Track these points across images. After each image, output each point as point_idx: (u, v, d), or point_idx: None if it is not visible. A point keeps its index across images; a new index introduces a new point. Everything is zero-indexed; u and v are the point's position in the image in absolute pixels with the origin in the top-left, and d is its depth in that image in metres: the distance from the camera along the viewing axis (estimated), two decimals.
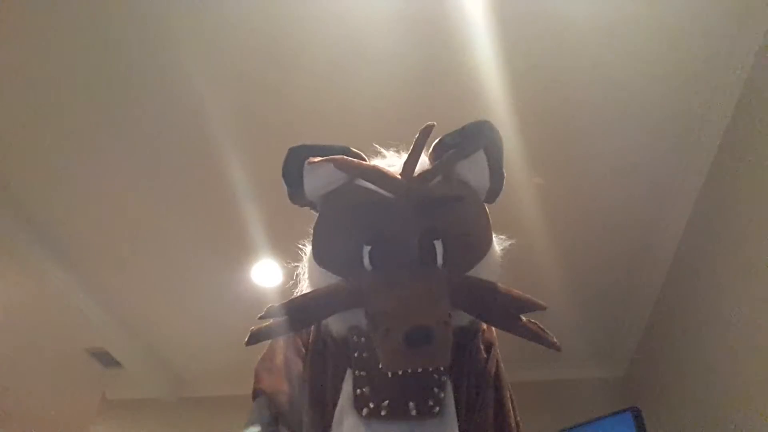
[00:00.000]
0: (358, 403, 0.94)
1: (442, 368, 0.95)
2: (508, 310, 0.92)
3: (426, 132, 0.96)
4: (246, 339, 0.94)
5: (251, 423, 1.11)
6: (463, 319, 0.98)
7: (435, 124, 0.96)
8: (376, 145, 1.07)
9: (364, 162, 0.99)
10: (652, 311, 2.88)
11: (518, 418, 1.09)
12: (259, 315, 0.92)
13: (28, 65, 1.97)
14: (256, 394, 1.15)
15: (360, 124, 2.09)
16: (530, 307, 0.92)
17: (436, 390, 0.94)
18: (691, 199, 2.29)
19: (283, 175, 1.04)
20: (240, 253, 2.70)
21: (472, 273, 0.97)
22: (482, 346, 1.09)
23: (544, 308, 0.92)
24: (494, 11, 1.76)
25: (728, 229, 2.09)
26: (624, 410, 2.27)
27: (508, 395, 1.10)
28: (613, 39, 1.82)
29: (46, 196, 2.51)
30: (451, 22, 1.79)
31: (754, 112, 1.87)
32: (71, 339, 3.45)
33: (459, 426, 0.97)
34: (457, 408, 0.97)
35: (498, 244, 1.05)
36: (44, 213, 2.59)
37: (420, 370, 0.88)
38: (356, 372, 0.97)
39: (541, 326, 0.93)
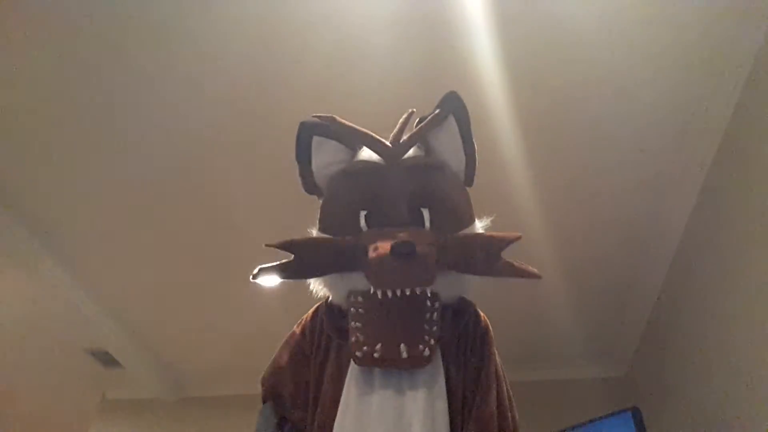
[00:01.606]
0: (354, 347, 1.02)
1: (431, 314, 1.03)
2: (489, 252, 1.02)
3: (409, 114, 1.11)
4: (252, 275, 1.04)
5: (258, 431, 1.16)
6: (454, 290, 1.10)
7: (414, 110, 1.11)
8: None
9: (359, 127, 1.13)
10: (652, 311, 2.88)
11: (515, 413, 1.12)
12: (266, 243, 1.03)
13: (27, 65, 1.97)
14: (263, 398, 1.22)
15: (360, 124, 2.09)
16: (506, 240, 1.02)
17: (426, 337, 1.02)
18: (692, 198, 2.29)
19: (296, 151, 1.16)
20: (240, 253, 2.70)
21: None
22: (478, 342, 1.14)
23: (518, 237, 1.02)
24: (494, 11, 1.76)
25: (729, 229, 2.09)
26: (624, 410, 2.27)
27: (506, 389, 1.13)
28: (613, 38, 1.82)
29: (46, 196, 2.51)
30: (450, 22, 1.79)
31: (755, 111, 1.87)
32: (71, 339, 3.45)
33: (463, 406, 1.04)
34: (452, 379, 1.05)
35: (480, 223, 1.16)
36: (44, 213, 2.59)
37: (408, 292, 0.99)
38: (353, 323, 1.05)
39: (520, 262, 1.03)
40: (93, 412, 3.94)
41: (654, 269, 2.68)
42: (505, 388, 1.13)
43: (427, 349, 1.00)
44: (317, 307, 1.23)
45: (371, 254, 0.98)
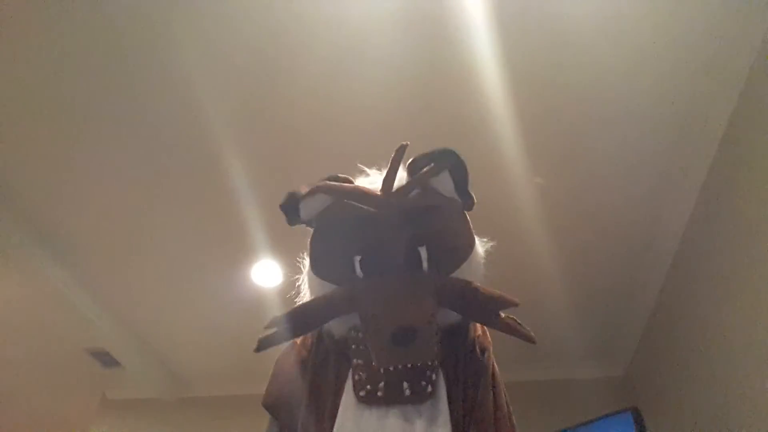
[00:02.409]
0: (357, 387, 1.02)
1: (433, 361, 1.03)
2: (487, 309, 1.01)
3: (401, 151, 1.06)
4: (255, 347, 1.02)
5: None
6: (451, 316, 1.07)
7: (408, 143, 1.06)
8: (360, 165, 1.16)
9: (346, 184, 1.10)
10: (652, 311, 2.88)
11: (513, 421, 1.12)
12: (265, 325, 1.01)
13: (27, 65, 1.97)
14: (264, 407, 1.21)
15: (360, 124, 2.09)
16: (505, 303, 1.00)
17: (428, 373, 1.02)
18: (692, 198, 2.29)
19: (283, 211, 1.14)
20: (240, 253, 2.70)
21: (456, 275, 1.06)
22: (477, 348, 1.14)
23: (516, 304, 1.00)
24: (494, 11, 1.76)
25: (728, 229, 2.09)
26: (624, 410, 2.27)
27: (504, 397, 1.13)
28: (613, 38, 1.82)
29: (47, 196, 2.51)
30: (450, 22, 1.79)
31: (755, 111, 1.87)
32: (71, 339, 3.45)
33: (460, 421, 1.03)
34: (453, 401, 1.04)
35: (480, 245, 1.14)
36: (44, 213, 2.59)
37: (409, 365, 0.99)
38: (355, 361, 1.06)
39: (517, 320, 1.01)
40: (93, 412, 3.94)
41: (654, 270, 2.68)
42: (503, 396, 1.13)
43: (429, 385, 1.01)
44: None
45: (370, 335, 0.98)
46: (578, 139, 2.15)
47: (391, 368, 1.00)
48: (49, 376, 3.87)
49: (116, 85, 2.03)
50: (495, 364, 1.16)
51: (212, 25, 1.84)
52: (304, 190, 1.10)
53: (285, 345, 1.22)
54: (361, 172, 1.16)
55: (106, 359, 3.60)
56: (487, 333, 1.18)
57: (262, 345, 1.02)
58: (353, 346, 1.07)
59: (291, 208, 1.12)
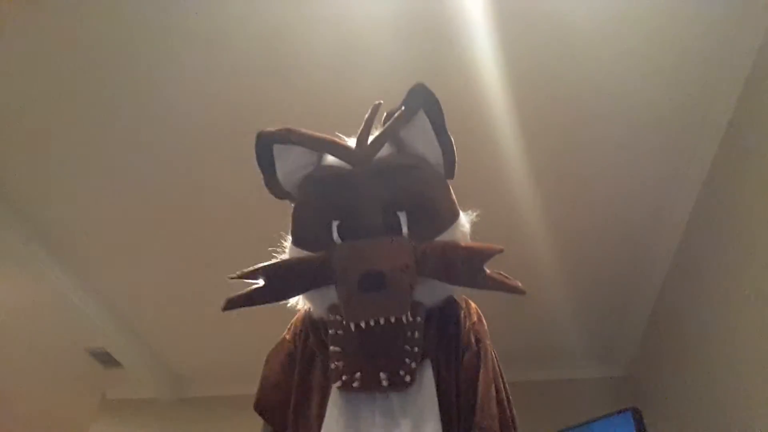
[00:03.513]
0: (333, 375, 0.97)
1: (412, 334, 0.96)
2: (470, 265, 0.96)
3: (375, 108, 1.04)
4: (222, 306, 0.98)
5: None
6: (437, 294, 1.04)
7: (382, 102, 1.04)
8: (338, 134, 1.12)
9: (319, 134, 1.06)
10: (652, 311, 2.88)
11: (513, 411, 1.08)
12: (231, 275, 0.98)
13: (28, 65, 1.97)
14: (257, 411, 1.17)
15: (360, 125, 2.09)
16: (489, 253, 0.95)
17: (407, 360, 0.95)
18: (692, 198, 2.29)
19: (257, 161, 1.11)
20: (240, 253, 2.69)
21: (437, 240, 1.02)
22: (472, 338, 1.09)
23: (501, 250, 0.95)
24: (494, 11, 1.76)
25: (728, 229, 2.09)
26: (624, 410, 2.27)
27: (503, 386, 1.09)
28: (614, 38, 1.82)
29: (47, 196, 2.51)
30: (450, 22, 1.79)
31: (755, 110, 1.87)
32: (71, 339, 3.45)
33: (454, 416, 0.98)
34: (444, 394, 0.99)
35: (466, 218, 1.10)
36: (44, 213, 2.59)
37: (382, 321, 0.92)
38: (332, 347, 0.99)
39: (504, 274, 0.96)
40: (93, 412, 3.94)
41: (654, 269, 2.68)
42: (503, 386, 1.08)
43: (408, 375, 0.94)
44: (306, 312, 1.17)
45: (339, 287, 0.94)
46: (578, 137, 2.15)
47: (369, 349, 0.93)
48: (49, 376, 3.87)
49: (119, 87, 2.03)
50: (494, 354, 1.10)
51: (212, 25, 1.84)
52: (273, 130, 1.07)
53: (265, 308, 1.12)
54: (339, 139, 1.12)
55: (106, 359, 3.60)
56: (483, 321, 1.14)
57: (230, 305, 0.98)
58: (331, 331, 1.00)
59: (264, 151, 1.09)
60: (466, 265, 0.96)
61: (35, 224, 2.64)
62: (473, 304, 1.16)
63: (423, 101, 1.04)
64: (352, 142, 1.08)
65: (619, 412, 2.29)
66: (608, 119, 2.08)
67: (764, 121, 1.82)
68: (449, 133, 1.07)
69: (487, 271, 0.95)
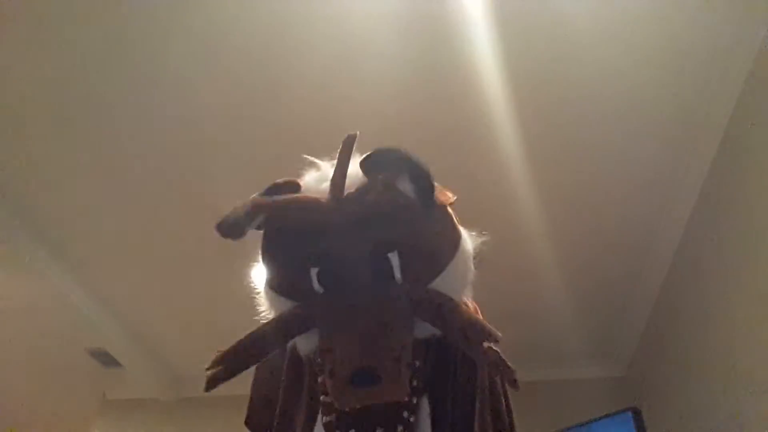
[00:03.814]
0: (327, 428, 0.88)
1: (411, 403, 0.87)
2: (465, 335, 0.83)
3: (349, 143, 0.89)
4: (204, 387, 0.94)
5: None
6: (430, 330, 0.90)
7: (358, 133, 0.91)
8: (309, 157, 1.01)
9: (286, 197, 0.91)
10: (652, 311, 2.88)
11: (511, 418, 1.02)
12: (207, 366, 0.93)
13: (28, 65, 1.97)
14: (247, 426, 1.13)
15: (359, 125, 2.08)
16: (487, 336, 0.81)
17: (405, 414, 0.87)
18: (692, 197, 2.29)
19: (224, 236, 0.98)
20: (240, 254, 2.69)
21: (437, 282, 0.89)
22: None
23: (498, 339, 0.81)
24: (494, 10, 1.76)
25: (728, 229, 2.09)
26: (624, 410, 2.27)
27: (503, 401, 1.01)
28: (613, 37, 1.82)
29: (47, 196, 2.51)
30: (450, 22, 1.79)
31: (755, 111, 1.87)
32: (71, 339, 3.45)
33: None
34: (443, 423, 0.91)
35: (470, 240, 0.96)
36: (44, 213, 2.59)
37: (381, 405, 0.83)
38: (323, 398, 0.89)
39: (502, 356, 0.80)
40: (93, 412, 3.94)
41: (654, 270, 2.68)
42: (503, 404, 1.00)
43: (406, 429, 0.86)
44: None
45: (327, 375, 0.82)
46: (578, 138, 2.15)
47: (359, 407, 0.84)
48: (49, 376, 3.87)
49: (119, 87, 2.03)
50: (495, 349, 1.02)
51: (212, 25, 1.84)
52: (242, 210, 0.94)
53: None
54: (311, 165, 1.00)
55: (106, 359, 3.60)
56: (478, 310, 1.03)
57: (212, 384, 0.93)
58: (320, 379, 0.89)
59: (235, 235, 0.95)
60: (461, 335, 0.84)
61: (35, 224, 2.63)
62: (475, 305, 1.06)
63: (408, 170, 0.88)
64: (324, 168, 0.96)
65: (619, 412, 2.29)
66: (608, 119, 2.07)
67: (764, 121, 1.82)
68: (432, 196, 0.90)
69: (484, 346, 0.80)
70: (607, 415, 2.36)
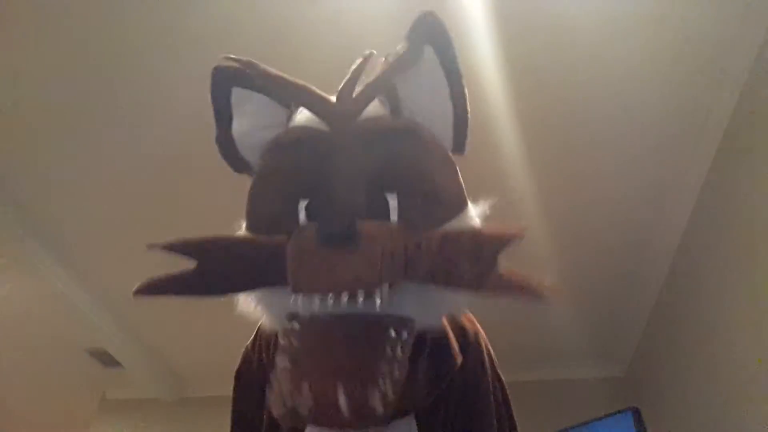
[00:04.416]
0: (273, 404, 0.72)
1: (395, 353, 0.68)
2: (479, 259, 0.67)
3: (366, 59, 0.80)
4: (134, 289, 0.75)
5: None
6: (428, 314, 0.75)
7: (375, 52, 0.81)
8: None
9: (293, 79, 0.78)
10: (652, 311, 2.88)
11: (514, 422, 0.95)
12: (149, 243, 0.73)
13: (28, 63, 1.97)
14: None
15: None
16: (505, 241, 0.69)
17: (382, 382, 0.66)
18: (692, 197, 2.29)
19: (213, 103, 0.88)
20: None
21: None
22: (476, 378, 0.85)
23: (520, 235, 0.70)
24: (494, 10, 1.76)
25: (728, 229, 2.09)
26: (624, 410, 2.27)
27: (502, 395, 0.92)
28: (613, 37, 1.82)
29: (47, 195, 2.51)
30: (450, 22, 1.78)
31: (755, 111, 1.87)
32: (71, 339, 3.45)
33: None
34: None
35: (475, 211, 0.82)
36: (45, 213, 2.59)
37: (358, 306, 0.64)
38: (280, 364, 0.71)
39: (521, 274, 0.68)
40: (93, 412, 3.94)
41: (654, 269, 2.68)
42: (504, 410, 0.90)
43: (380, 403, 0.63)
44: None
45: (290, 243, 0.67)
46: (577, 138, 2.15)
47: (332, 320, 0.67)
48: (49, 376, 3.86)
49: (120, 87, 2.03)
50: (491, 352, 0.90)
51: (213, 25, 1.84)
52: (234, 65, 0.78)
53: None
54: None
55: (106, 359, 3.60)
56: (491, 351, 0.93)
57: (143, 290, 0.75)
58: (283, 342, 0.71)
59: (221, 94, 0.84)
60: (472, 261, 0.67)
61: (35, 224, 2.63)
62: (482, 336, 0.91)
63: (432, 35, 0.77)
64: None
65: (619, 412, 2.29)
66: (608, 119, 2.07)
67: (764, 121, 1.82)
68: (464, 86, 0.79)
69: (501, 270, 0.68)
70: (607, 415, 2.36)
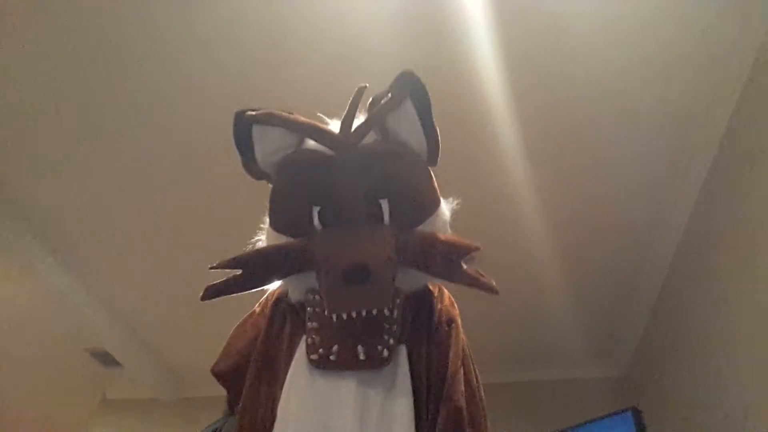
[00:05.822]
0: (309, 350, 0.97)
1: (391, 314, 0.98)
2: (449, 259, 0.96)
3: (359, 92, 1.03)
4: (201, 295, 1.00)
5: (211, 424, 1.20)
6: (413, 282, 1.04)
7: (367, 85, 1.03)
8: (320, 114, 1.11)
9: (303, 118, 1.03)
10: (652, 311, 2.88)
11: (482, 393, 1.07)
12: (212, 265, 0.99)
13: (29, 64, 1.97)
14: (214, 375, 1.20)
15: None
16: (467, 250, 0.96)
17: (386, 337, 0.97)
18: (692, 198, 2.29)
19: (235, 142, 1.10)
20: (240, 254, 2.69)
21: (419, 229, 1.02)
22: (444, 319, 1.09)
23: (478, 248, 0.96)
24: (494, 10, 1.76)
25: (728, 229, 2.09)
26: (624, 410, 2.27)
27: (473, 373, 1.07)
28: (613, 38, 1.82)
29: (47, 195, 2.51)
30: (451, 22, 1.79)
31: (755, 111, 1.87)
32: (71, 339, 3.45)
33: (423, 396, 0.98)
34: (416, 378, 0.99)
35: (447, 207, 1.09)
36: (44, 213, 2.59)
37: (364, 313, 0.93)
38: (310, 324, 1.00)
39: (480, 271, 0.96)
40: (93, 412, 3.94)
41: (654, 269, 2.68)
42: (472, 367, 1.08)
43: (385, 349, 0.95)
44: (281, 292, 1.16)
45: (321, 278, 0.93)
46: (577, 138, 2.15)
47: (347, 324, 0.93)
48: (49, 376, 3.87)
49: (120, 88, 2.03)
50: (464, 337, 1.11)
51: (214, 26, 1.84)
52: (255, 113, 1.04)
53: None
54: (320, 121, 1.11)
55: (106, 359, 3.60)
56: (455, 304, 1.15)
57: (208, 293, 0.99)
58: (309, 309, 1.01)
59: (243, 132, 1.07)
60: (444, 259, 0.96)
61: (35, 224, 2.64)
62: (446, 290, 1.16)
63: (410, 89, 1.01)
64: (335, 125, 1.06)
65: (619, 412, 2.29)
66: (608, 119, 2.07)
67: (764, 121, 1.82)
68: (434, 122, 1.05)
69: (464, 267, 0.96)
70: (607, 415, 2.36)
